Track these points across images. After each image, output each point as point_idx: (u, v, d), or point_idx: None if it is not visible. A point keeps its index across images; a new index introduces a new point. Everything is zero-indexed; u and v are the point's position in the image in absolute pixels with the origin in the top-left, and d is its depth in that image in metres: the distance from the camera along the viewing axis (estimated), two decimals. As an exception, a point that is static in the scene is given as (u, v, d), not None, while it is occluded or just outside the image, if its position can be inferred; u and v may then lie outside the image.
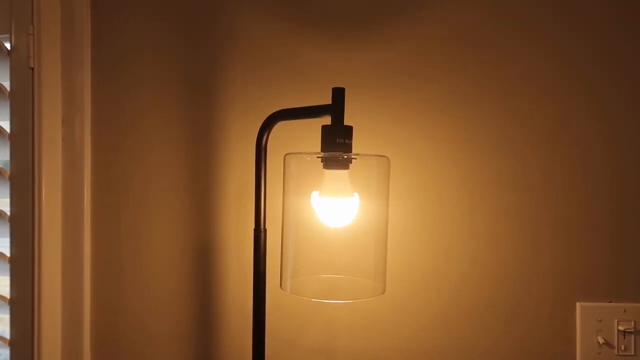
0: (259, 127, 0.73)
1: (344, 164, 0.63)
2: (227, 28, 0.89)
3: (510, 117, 0.86)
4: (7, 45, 0.87)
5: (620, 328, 0.86)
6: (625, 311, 0.87)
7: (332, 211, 0.63)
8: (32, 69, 0.85)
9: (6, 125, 0.87)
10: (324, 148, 0.63)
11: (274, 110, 0.72)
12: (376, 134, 0.87)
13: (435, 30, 0.87)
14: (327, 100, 0.65)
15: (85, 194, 0.90)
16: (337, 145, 0.62)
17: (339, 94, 0.63)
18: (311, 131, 0.79)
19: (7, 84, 0.87)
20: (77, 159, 0.89)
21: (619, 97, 0.86)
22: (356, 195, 0.63)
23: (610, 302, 0.86)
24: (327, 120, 0.65)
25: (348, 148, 0.63)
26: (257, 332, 0.73)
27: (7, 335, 0.88)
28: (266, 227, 0.73)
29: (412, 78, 0.87)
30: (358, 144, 0.71)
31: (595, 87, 0.86)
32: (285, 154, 0.66)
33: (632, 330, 0.86)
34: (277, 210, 0.80)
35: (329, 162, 0.63)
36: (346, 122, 0.63)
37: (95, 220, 0.91)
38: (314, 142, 0.68)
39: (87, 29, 0.90)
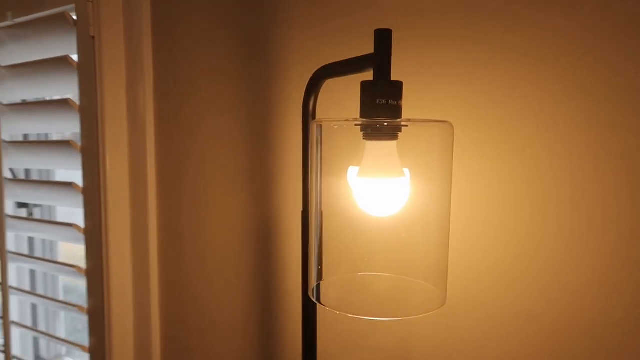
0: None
1: (392, 134, 0.47)
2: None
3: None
4: (73, 16, 0.88)
5: None
6: None
7: (375, 195, 0.49)
8: (93, 37, 0.84)
9: (76, 98, 0.88)
10: (364, 113, 0.47)
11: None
12: (435, 93, 0.65)
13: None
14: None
15: (149, 165, 0.86)
16: (381, 108, 0.47)
17: (384, 38, 0.46)
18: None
19: (75, 57, 0.87)
20: (140, 128, 0.86)
21: None
22: (407, 173, 0.48)
23: None
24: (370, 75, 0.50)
25: (397, 112, 0.47)
26: (307, 325, 0.63)
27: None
28: (317, 208, 0.61)
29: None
30: (409, 106, 0.55)
31: None
32: (312, 122, 0.51)
33: None
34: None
35: (371, 131, 0.48)
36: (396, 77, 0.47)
37: (160, 189, 0.88)
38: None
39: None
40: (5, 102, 0.98)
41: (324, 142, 0.50)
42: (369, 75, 0.49)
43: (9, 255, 0.99)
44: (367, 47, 0.48)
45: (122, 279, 0.87)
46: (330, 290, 0.51)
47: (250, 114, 0.81)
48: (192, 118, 0.85)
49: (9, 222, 0.98)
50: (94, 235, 0.88)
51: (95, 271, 0.88)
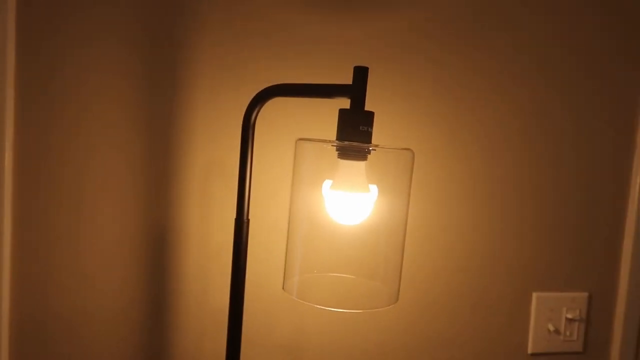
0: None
1: (363, 155, 0.56)
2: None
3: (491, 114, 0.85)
4: None
5: (568, 316, 0.91)
6: (573, 300, 0.91)
7: (345, 206, 0.57)
8: None
9: None
10: (340, 135, 0.54)
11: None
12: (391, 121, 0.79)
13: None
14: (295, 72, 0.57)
15: (6, 182, 0.72)
16: (357, 133, 0.55)
17: (361, 74, 0.55)
18: (291, 106, 0.71)
19: None
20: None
21: (593, 97, 0.89)
22: (374, 189, 0.57)
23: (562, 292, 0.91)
24: (341, 103, 0.56)
25: (368, 137, 0.55)
26: (233, 332, 0.65)
27: None
28: (249, 217, 0.65)
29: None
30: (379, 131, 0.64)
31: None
32: (297, 139, 0.56)
33: (578, 318, 0.91)
34: (258, 198, 0.73)
35: (346, 152, 0.55)
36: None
37: (19, 209, 0.74)
38: (305, 123, 0.60)
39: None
40: None
41: (302, 157, 0.55)
42: (331, 102, 0.56)
43: None
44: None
45: None
46: (301, 286, 0.56)
47: (146, 110, 0.76)
48: (67, 124, 0.74)
49: None
50: None
51: None
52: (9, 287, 0.73)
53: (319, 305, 0.51)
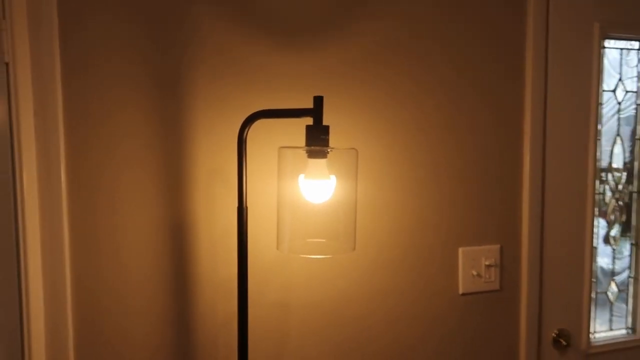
0: (234, 120, 0.90)
1: (323, 154, 0.82)
2: (191, 33, 1.01)
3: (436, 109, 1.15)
4: None
5: (486, 263, 1.22)
6: (489, 251, 1.22)
7: (314, 190, 0.82)
8: (7, 63, 0.88)
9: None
10: (308, 142, 0.82)
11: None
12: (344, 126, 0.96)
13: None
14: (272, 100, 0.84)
15: (63, 183, 0.96)
16: (319, 140, 0.81)
17: (319, 101, 0.82)
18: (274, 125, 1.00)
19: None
20: (51, 150, 0.94)
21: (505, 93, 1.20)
22: (333, 177, 0.83)
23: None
24: (306, 120, 0.83)
25: (326, 142, 0.82)
26: (242, 296, 0.90)
27: None
28: (246, 205, 0.89)
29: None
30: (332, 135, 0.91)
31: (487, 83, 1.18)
32: (280, 147, 0.84)
33: (493, 264, 1.22)
34: (252, 191, 1.00)
35: (312, 153, 0.82)
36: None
37: (72, 207, 0.97)
38: (280, 135, 0.86)
39: (55, 24, 0.94)
40: None
41: (283, 159, 0.80)
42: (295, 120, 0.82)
43: None
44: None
45: (35, 296, 0.93)
46: (290, 245, 0.83)
47: (163, 139, 1.01)
48: (106, 139, 0.98)
49: None
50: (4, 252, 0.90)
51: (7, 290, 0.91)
52: (69, 270, 0.97)
53: (303, 255, 0.77)
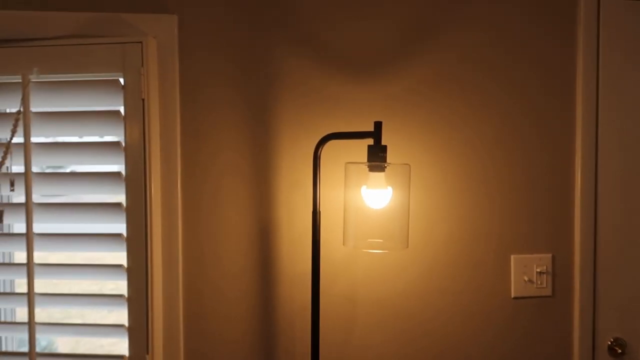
0: (310, 141, 1.12)
1: (382, 169, 1.01)
2: (277, 69, 1.25)
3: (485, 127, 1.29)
4: (121, 80, 1.17)
5: (538, 270, 1.32)
6: (540, 259, 1.32)
7: (374, 198, 1.01)
8: (143, 99, 1.16)
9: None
10: (369, 159, 1.01)
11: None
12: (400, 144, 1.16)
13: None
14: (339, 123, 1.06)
15: (178, 185, 1.24)
16: (378, 157, 1.00)
17: (378, 126, 1.01)
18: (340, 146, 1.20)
19: (121, 109, 1.19)
20: (170, 160, 1.23)
21: (549, 113, 1.30)
22: (389, 188, 1.00)
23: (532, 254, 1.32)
24: (369, 140, 1.03)
25: (384, 159, 1.01)
26: (315, 288, 1.11)
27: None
28: (320, 209, 1.09)
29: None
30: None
31: (537, 106, 1.30)
32: (346, 163, 1.06)
33: (545, 271, 1.32)
34: (324, 198, 1.21)
35: (373, 168, 1.01)
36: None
37: (184, 203, 1.25)
38: (345, 152, 1.05)
39: (176, 69, 1.22)
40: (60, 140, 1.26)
41: (349, 173, 0.99)
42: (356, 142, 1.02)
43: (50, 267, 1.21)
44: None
45: (157, 270, 1.19)
46: (354, 242, 1.02)
47: (255, 154, 1.26)
48: (210, 153, 1.25)
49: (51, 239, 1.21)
50: (135, 241, 1.17)
51: (136, 268, 1.20)
52: (181, 253, 1.24)
53: (365, 249, 0.94)
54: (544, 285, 1.33)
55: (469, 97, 1.30)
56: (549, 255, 1.33)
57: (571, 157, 1.33)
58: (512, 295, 1.32)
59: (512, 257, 1.31)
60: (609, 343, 1.36)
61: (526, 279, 1.32)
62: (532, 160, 1.32)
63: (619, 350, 1.35)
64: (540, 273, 1.32)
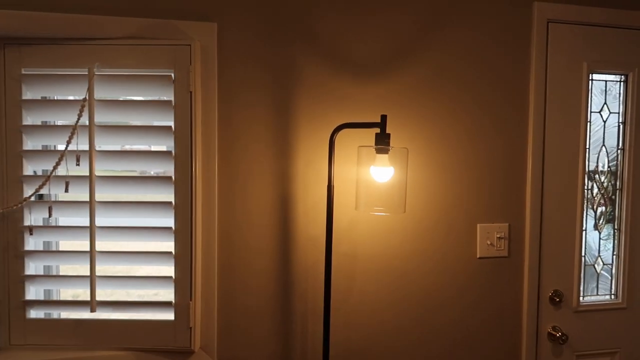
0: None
1: (386, 152, 1.32)
2: (298, 73, 1.55)
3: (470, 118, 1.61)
4: (172, 75, 1.42)
5: (497, 236, 1.68)
6: (499, 227, 1.68)
7: (379, 174, 1.31)
8: (191, 92, 1.42)
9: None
10: (376, 143, 1.33)
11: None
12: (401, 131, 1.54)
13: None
14: (349, 113, 1.39)
15: (215, 167, 1.52)
16: (383, 142, 1.30)
17: (384, 118, 1.32)
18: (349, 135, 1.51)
19: (171, 99, 1.46)
20: (210, 147, 1.51)
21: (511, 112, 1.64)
22: (391, 168, 1.31)
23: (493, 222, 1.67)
24: (375, 129, 1.35)
25: (388, 144, 1.33)
26: (329, 246, 1.42)
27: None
28: (333, 183, 1.37)
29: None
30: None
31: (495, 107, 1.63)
32: (359, 146, 1.37)
33: (503, 237, 1.69)
34: (337, 175, 1.52)
35: (379, 150, 1.32)
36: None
37: (220, 182, 1.53)
38: (352, 138, 1.37)
39: (215, 68, 1.49)
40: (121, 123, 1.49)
41: (361, 155, 1.28)
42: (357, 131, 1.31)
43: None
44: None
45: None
46: (363, 207, 1.33)
47: (277, 141, 1.55)
48: (242, 141, 1.53)
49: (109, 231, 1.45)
50: (181, 208, 1.43)
51: (182, 230, 1.47)
52: (217, 221, 1.52)
53: (372, 212, 1.26)
54: (502, 248, 1.69)
55: (446, 104, 1.64)
56: (506, 224, 1.69)
57: (524, 148, 1.70)
58: (478, 256, 1.68)
59: (478, 225, 1.67)
60: (550, 294, 1.74)
61: (488, 243, 1.67)
62: (495, 150, 1.68)
63: (557, 299, 1.73)
64: (499, 238, 1.68)
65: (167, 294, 1.52)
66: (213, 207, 1.52)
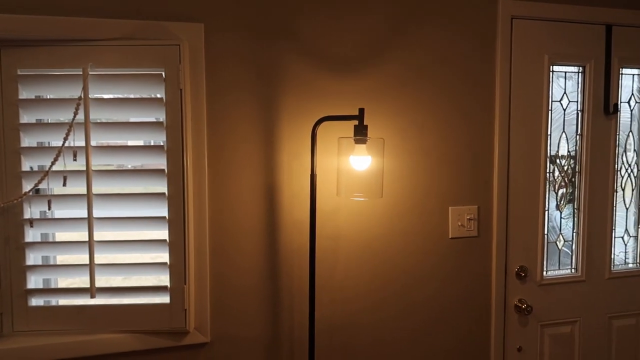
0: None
1: (364, 142, 1.45)
2: (282, 71, 1.65)
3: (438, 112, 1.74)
4: (162, 74, 1.51)
5: (467, 217, 1.83)
6: (469, 210, 1.83)
7: (358, 163, 1.42)
8: (181, 89, 1.50)
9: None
10: (355, 134, 1.44)
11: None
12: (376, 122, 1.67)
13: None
14: (329, 107, 1.47)
15: (205, 160, 1.62)
16: (361, 133, 1.42)
17: (362, 111, 1.44)
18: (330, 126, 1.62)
19: (163, 96, 1.55)
20: (200, 141, 1.60)
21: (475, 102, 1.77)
22: (369, 157, 1.42)
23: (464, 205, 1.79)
24: (354, 121, 1.46)
25: (366, 135, 1.45)
26: (312, 229, 1.53)
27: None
28: (316, 172, 1.48)
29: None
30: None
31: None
32: (339, 138, 1.48)
33: (472, 218, 1.83)
34: (319, 165, 1.63)
35: (357, 141, 1.45)
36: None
37: (210, 174, 1.63)
38: (332, 130, 1.46)
39: (203, 66, 1.58)
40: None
41: (341, 145, 1.39)
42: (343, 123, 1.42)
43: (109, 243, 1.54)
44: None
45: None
46: (343, 194, 1.44)
47: (262, 134, 1.65)
48: (229, 136, 1.63)
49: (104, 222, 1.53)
50: (174, 198, 1.53)
51: (176, 219, 1.57)
52: (208, 207, 1.63)
53: (352, 198, 1.37)
54: (472, 228, 1.84)
55: (419, 98, 1.77)
56: (476, 207, 1.84)
57: (491, 136, 1.85)
58: (450, 236, 1.83)
59: (450, 208, 1.82)
60: (516, 269, 1.90)
61: (459, 224, 1.82)
62: (464, 138, 1.82)
63: (523, 274, 1.89)
64: (469, 219, 1.83)
65: (163, 279, 1.63)
66: (204, 196, 1.62)
